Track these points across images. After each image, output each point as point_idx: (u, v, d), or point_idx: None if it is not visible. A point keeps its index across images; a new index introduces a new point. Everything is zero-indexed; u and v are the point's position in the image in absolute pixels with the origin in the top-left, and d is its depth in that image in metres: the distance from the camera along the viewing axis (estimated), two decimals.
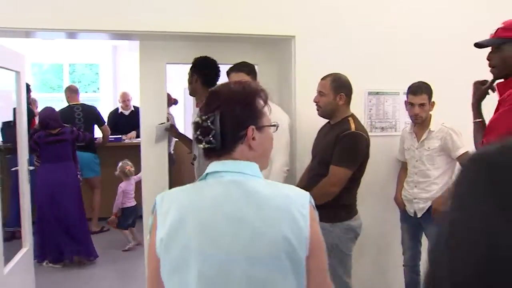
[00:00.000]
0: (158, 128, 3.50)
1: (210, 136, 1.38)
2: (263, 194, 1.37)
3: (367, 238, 3.46)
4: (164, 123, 3.56)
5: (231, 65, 3.09)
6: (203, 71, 3.30)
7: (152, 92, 3.51)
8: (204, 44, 3.46)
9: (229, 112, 1.40)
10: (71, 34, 3.42)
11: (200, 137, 1.40)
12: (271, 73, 3.19)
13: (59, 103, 6.43)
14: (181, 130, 4.45)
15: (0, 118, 5.08)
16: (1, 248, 3.47)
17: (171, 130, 3.61)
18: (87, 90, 9.34)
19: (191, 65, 3.34)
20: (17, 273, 3.69)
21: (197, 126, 1.42)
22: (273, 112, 3.00)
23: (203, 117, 1.40)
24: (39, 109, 6.89)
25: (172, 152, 5.24)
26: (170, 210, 1.37)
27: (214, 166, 1.42)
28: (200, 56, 3.31)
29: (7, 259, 3.67)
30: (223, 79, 3.33)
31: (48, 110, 4.86)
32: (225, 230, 1.32)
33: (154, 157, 3.57)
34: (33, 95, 6.18)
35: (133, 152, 5.42)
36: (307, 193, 1.42)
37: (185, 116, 6.41)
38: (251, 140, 1.41)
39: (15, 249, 4.01)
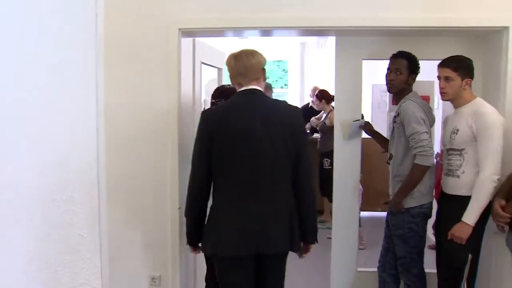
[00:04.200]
0: (352, 125, 3.47)
1: None
2: None
3: None
4: (358, 120, 3.50)
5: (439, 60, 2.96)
6: (419, 70, 3.14)
7: (348, 89, 3.48)
8: (401, 39, 3.30)
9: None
10: (267, 32, 3.52)
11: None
12: (475, 69, 2.94)
13: None
14: None
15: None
16: None
17: (366, 127, 3.52)
18: (274, 86, 9.75)
19: (408, 63, 3.11)
20: None
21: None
22: (487, 114, 2.76)
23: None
24: None
25: None
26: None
27: None
28: (410, 53, 3.13)
29: None
30: None
31: None
32: None
33: (347, 154, 3.55)
34: None
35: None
36: None
37: (372, 114, 6.27)
38: None
39: None
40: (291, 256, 2.64)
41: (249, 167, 2.42)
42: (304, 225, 2.55)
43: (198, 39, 3.55)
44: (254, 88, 2.51)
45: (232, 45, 7.55)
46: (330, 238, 3.70)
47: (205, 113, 2.59)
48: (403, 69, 3.10)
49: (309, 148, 2.65)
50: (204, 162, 2.46)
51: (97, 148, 3.14)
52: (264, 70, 2.56)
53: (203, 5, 3.16)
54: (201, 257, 3.55)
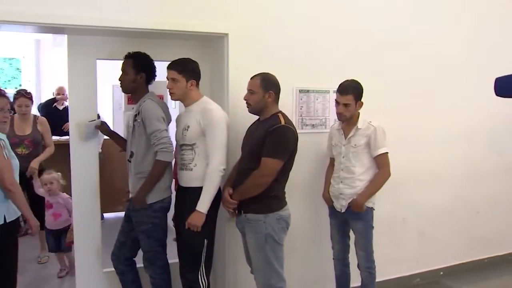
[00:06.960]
0: (88, 126, 3.39)
1: None
2: None
3: (298, 233, 3.57)
4: (94, 120, 3.45)
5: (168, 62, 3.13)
6: (149, 69, 3.23)
7: (82, 89, 3.40)
8: (136, 40, 3.38)
9: None
10: None
11: None
12: (203, 71, 3.20)
13: None
14: None
15: None
16: None
17: (102, 127, 3.49)
18: (6, 86, 8.84)
19: (133, 62, 3.17)
20: None
21: None
22: (213, 111, 3.05)
23: None
24: None
25: (100, 151, 5.09)
26: None
27: None
28: (139, 52, 3.21)
29: None
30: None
31: None
32: None
33: (84, 156, 3.47)
34: None
35: (63, 151, 5.21)
36: None
37: (114, 114, 6.24)
38: None
39: None
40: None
41: None
42: None
43: None
44: None
45: None
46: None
47: None
48: (128, 69, 3.19)
49: None
50: None
51: None
52: None
53: None
54: None
